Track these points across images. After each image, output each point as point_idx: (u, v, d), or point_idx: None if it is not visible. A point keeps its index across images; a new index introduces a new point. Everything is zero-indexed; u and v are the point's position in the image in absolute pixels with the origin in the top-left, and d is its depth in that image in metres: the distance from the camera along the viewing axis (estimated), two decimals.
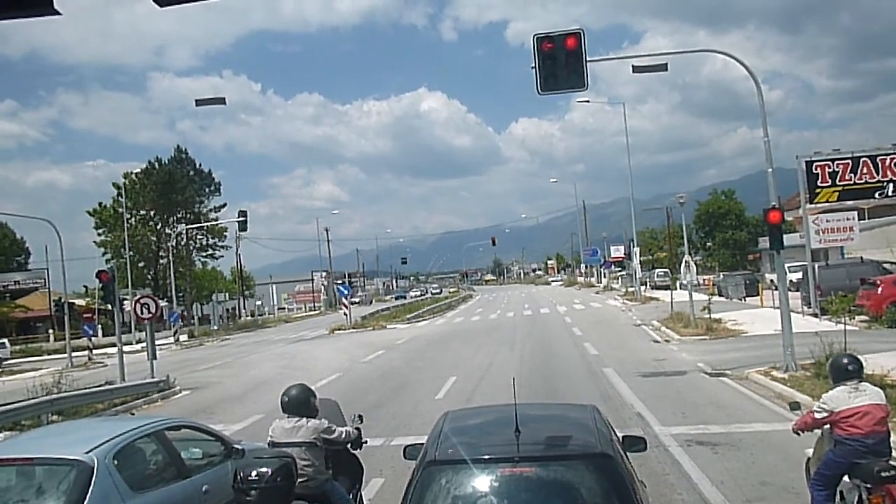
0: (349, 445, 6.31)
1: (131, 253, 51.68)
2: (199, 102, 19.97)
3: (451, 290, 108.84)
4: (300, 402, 5.94)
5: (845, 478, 5.87)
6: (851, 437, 5.70)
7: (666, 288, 39.63)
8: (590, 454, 4.18)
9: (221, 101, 20.36)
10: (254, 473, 5.22)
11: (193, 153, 67.74)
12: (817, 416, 5.94)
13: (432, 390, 16.00)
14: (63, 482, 5.39)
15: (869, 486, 5.59)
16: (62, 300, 39.90)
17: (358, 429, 6.37)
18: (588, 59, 14.62)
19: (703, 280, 42.17)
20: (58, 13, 1.94)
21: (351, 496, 6.28)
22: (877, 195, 24.74)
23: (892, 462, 5.69)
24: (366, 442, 6.45)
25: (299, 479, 5.62)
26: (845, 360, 6.08)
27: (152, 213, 62.90)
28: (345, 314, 42.83)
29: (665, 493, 7.65)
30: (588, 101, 44.06)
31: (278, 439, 5.89)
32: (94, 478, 5.31)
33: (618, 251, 69.15)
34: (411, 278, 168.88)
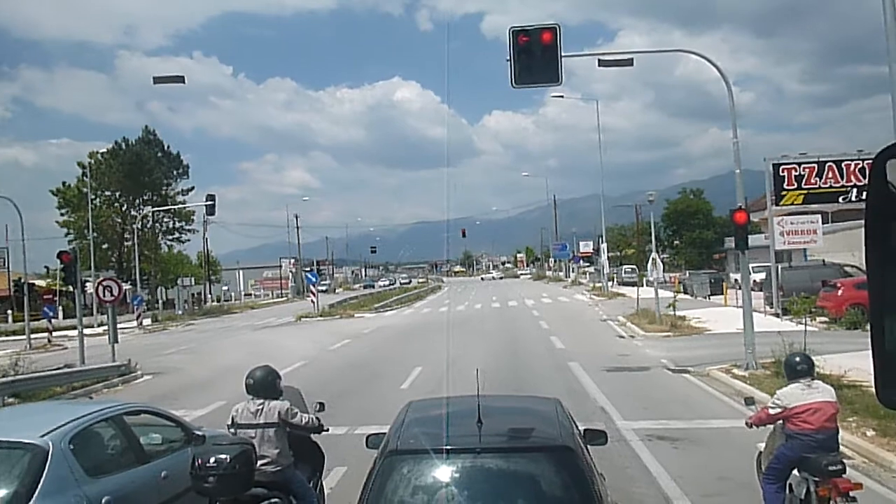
0: (308, 433, 6.25)
1: (95, 234, 50.64)
2: (157, 80, 19.51)
3: (420, 280, 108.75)
4: (265, 384, 5.90)
5: (795, 471, 6.07)
6: (803, 431, 5.90)
7: (633, 284, 40.05)
8: (551, 447, 4.21)
9: (180, 79, 19.86)
10: (212, 460, 5.18)
11: (162, 135, 66.66)
12: (772, 411, 6.14)
13: (398, 380, 15.99)
14: (17, 466, 5.28)
15: (817, 479, 5.80)
16: (22, 280, 39.01)
17: (318, 417, 6.32)
18: (563, 54, 14.67)
19: (670, 278, 42.75)
20: None
21: (311, 484, 6.24)
22: (841, 199, 25.29)
23: (839, 456, 5.91)
24: (327, 430, 6.38)
25: (261, 463, 5.58)
26: (797, 359, 6.32)
27: (118, 194, 61.62)
28: (312, 302, 42.58)
29: (624, 487, 7.73)
30: (562, 97, 44.43)
31: (241, 420, 5.83)
32: (48, 462, 5.21)
33: (587, 246, 69.74)
34: (381, 268, 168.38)
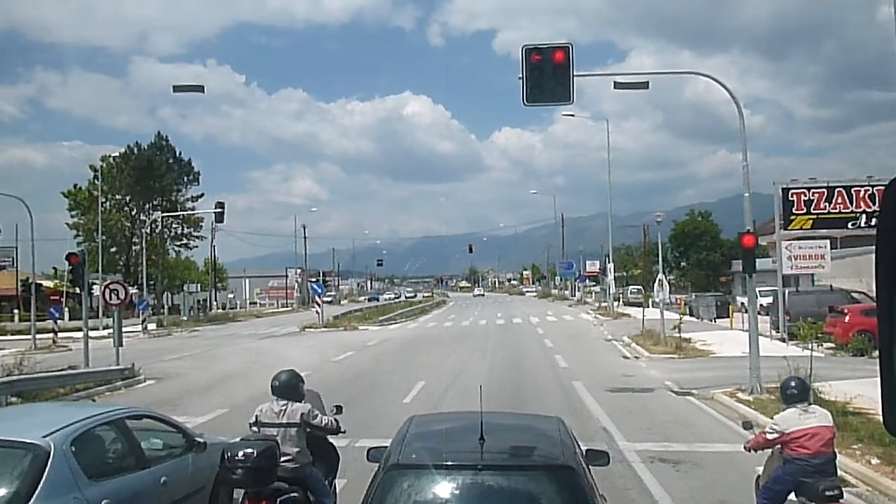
0: (327, 434, 6.58)
1: (104, 237, 50.94)
2: (176, 88, 19.66)
3: (426, 294, 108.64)
4: (289, 386, 6.25)
5: (791, 495, 6.07)
6: (800, 456, 5.91)
7: (638, 305, 39.90)
8: (552, 466, 4.20)
9: (200, 88, 20.04)
10: (240, 454, 5.63)
11: (173, 141, 66.69)
12: (769, 436, 6.14)
13: (400, 394, 15.95)
14: (17, 466, 5.28)
15: (813, 503, 5.78)
16: (30, 280, 39.19)
17: (336, 419, 6.61)
18: (575, 73, 14.72)
19: (676, 299, 42.57)
20: None
21: (327, 482, 6.51)
22: (849, 225, 25.16)
23: (836, 481, 5.89)
24: (344, 431, 6.64)
25: (282, 460, 5.93)
26: (792, 383, 6.36)
27: (128, 198, 61.97)
28: (317, 312, 42.57)
29: None
30: (573, 115, 44.34)
31: (265, 419, 6.15)
32: (49, 463, 5.22)
33: (593, 266, 69.55)
34: (387, 280, 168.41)
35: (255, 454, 5.61)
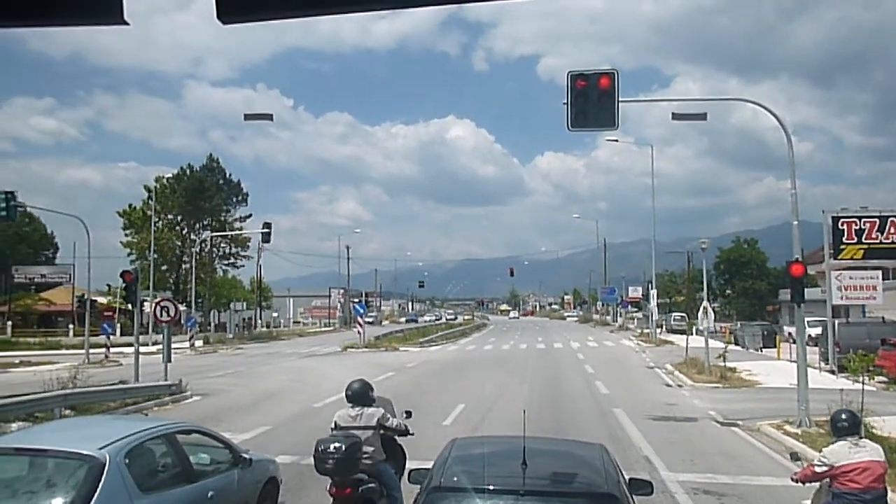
0: (398, 435, 7.33)
1: (155, 256, 52.27)
2: (247, 117, 20.38)
3: (466, 317, 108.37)
4: (361, 394, 7.09)
5: None
6: (850, 491, 5.79)
7: (682, 332, 39.21)
8: (595, 493, 4.21)
9: (269, 117, 20.74)
10: (331, 447, 6.41)
11: (223, 162, 68.47)
12: (818, 469, 6.02)
13: (440, 416, 15.95)
14: (73, 476, 5.48)
15: None
16: (85, 297, 40.39)
17: (405, 423, 7.38)
18: (620, 99, 14.73)
19: (720, 328, 41.75)
20: (126, 23, 2.02)
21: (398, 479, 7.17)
22: None
23: None
24: (413, 434, 7.36)
25: (361, 457, 6.65)
26: (843, 416, 6.21)
27: (179, 218, 63.72)
28: (359, 333, 42.90)
29: None
30: (617, 141, 44.27)
31: (343, 423, 6.93)
32: (104, 474, 5.40)
33: (635, 291, 68.64)
34: (427, 302, 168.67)
35: (344, 448, 6.38)
